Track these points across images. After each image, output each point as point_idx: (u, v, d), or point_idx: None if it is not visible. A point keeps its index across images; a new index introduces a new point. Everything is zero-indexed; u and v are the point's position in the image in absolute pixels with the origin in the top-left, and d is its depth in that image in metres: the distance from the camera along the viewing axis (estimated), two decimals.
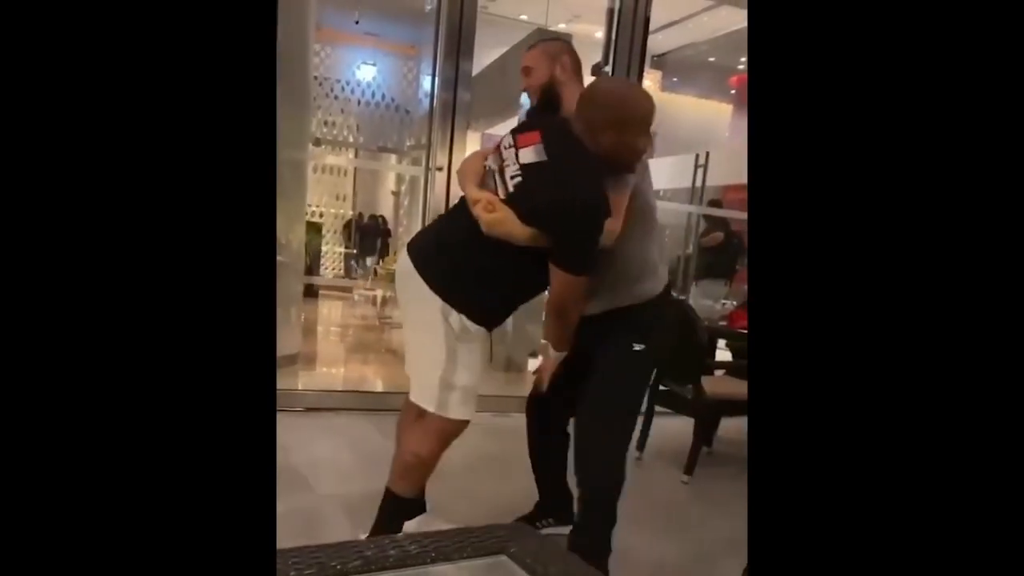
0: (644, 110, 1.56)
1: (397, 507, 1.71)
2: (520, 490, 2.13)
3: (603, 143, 1.53)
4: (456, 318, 1.58)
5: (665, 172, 7.26)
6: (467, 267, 1.60)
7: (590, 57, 4.09)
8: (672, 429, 3.08)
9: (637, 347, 1.71)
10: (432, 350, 1.61)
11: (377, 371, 4.83)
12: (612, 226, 1.55)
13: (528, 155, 1.55)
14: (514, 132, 1.65)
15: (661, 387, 2.99)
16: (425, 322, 1.61)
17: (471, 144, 4.43)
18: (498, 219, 1.52)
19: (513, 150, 1.59)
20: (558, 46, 1.82)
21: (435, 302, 1.58)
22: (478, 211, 1.54)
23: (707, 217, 5.94)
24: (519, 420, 2.06)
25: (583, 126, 1.55)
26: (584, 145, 1.55)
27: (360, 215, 10.59)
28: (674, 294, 1.87)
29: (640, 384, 1.82)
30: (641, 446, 2.99)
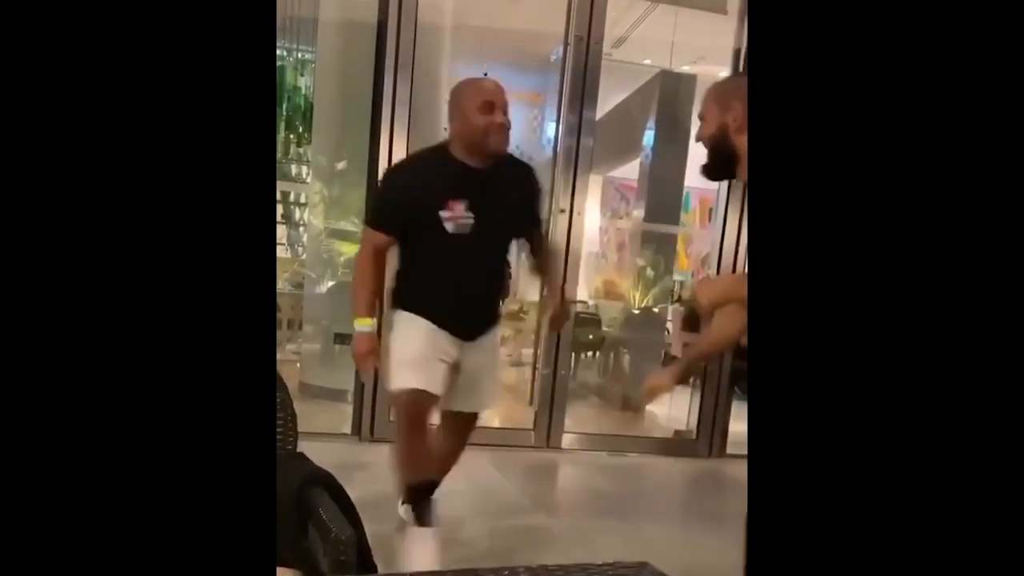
0: None
1: None
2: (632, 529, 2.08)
3: None
4: None
5: None
6: None
7: None
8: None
9: None
10: None
11: (495, 408, 4.90)
12: None
13: None
14: None
15: None
16: None
17: (593, 187, 4.46)
18: None
19: None
20: (732, 86, 1.46)
21: None
22: None
23: None
24: (634, 460, 2.02)
25: None
26: None
27: None
28: None
29: None
30: None
